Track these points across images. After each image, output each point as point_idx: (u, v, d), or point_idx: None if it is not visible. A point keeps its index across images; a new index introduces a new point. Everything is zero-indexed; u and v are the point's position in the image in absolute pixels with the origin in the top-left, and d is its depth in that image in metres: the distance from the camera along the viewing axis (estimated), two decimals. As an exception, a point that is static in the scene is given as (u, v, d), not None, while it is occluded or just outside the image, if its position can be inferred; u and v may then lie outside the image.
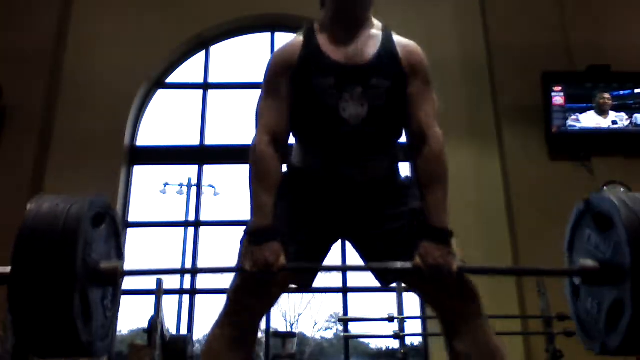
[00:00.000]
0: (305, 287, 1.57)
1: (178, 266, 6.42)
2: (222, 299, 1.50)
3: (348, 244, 1.65)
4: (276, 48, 5.14)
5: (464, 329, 1.43)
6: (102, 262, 1.30)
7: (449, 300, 1.46)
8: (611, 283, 1.26)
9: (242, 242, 1.44)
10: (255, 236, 1.40)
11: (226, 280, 1.54)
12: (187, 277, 4.55)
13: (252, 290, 1.44)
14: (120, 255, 1.44)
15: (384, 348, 13.27)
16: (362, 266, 1.55)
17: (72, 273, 1.15)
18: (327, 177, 1.52)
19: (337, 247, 1.69)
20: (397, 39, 1.55)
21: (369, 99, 1.47)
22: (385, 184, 1.56)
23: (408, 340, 3.41)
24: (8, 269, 1.17)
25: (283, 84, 1.51)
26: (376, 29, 1.56)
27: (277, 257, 1.37)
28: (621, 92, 4.13)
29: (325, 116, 1.48)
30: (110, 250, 1.39)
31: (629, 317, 1.18)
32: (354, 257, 1.68)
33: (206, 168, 4.75)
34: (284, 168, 1.56)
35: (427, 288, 1.50)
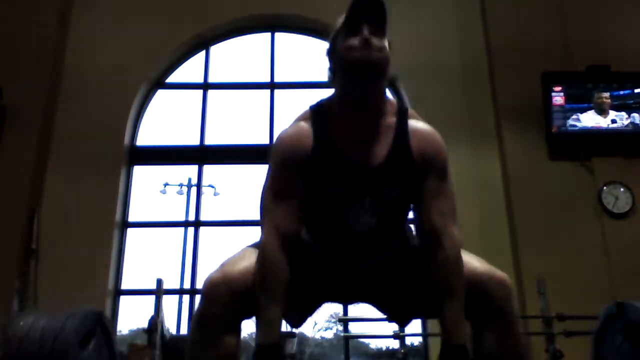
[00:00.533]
0: (296, 327, 1.60)
1: (178, 266, 6.42)
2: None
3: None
4: (276, 48, 5.15)
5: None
6: None
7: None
8: None
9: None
10: (261, 355, 1.31)
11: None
12: (187, 277, 4.54)
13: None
14: (112, 356, 1.40)
15: (384, 348, 13.28)
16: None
17: None
18: (332, 263, 1.52)
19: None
20: (412, 127, 1.45)
21: (378, 209, 1.41)
22: (393, 257, 1.55)
23: (408, 340, 3.42)
24: None
25: (294, 181, 1.41)
26: (390, 114, 1.46)
27: None
28: (621, 92, 4.14)
29: (334, 223, 1.43)
30: (103, 356, 1.36)
31: None
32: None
33: (206, 168, 4.75)
34: None
35: None
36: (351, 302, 1.61)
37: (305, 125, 1.45)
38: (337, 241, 1.47)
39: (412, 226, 1.62)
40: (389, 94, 1.53)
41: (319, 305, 1.59)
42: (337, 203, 1.41)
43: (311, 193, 1.42)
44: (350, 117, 1.43)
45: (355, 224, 1.42)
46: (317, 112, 1.47)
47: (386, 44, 1.40)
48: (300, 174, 1.40)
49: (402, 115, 1.47)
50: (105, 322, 1.34)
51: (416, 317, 1.66)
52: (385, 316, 1.62)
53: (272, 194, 1.41)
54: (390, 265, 1.53)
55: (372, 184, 1.40)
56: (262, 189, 1.45)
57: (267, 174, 1.45)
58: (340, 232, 1.44)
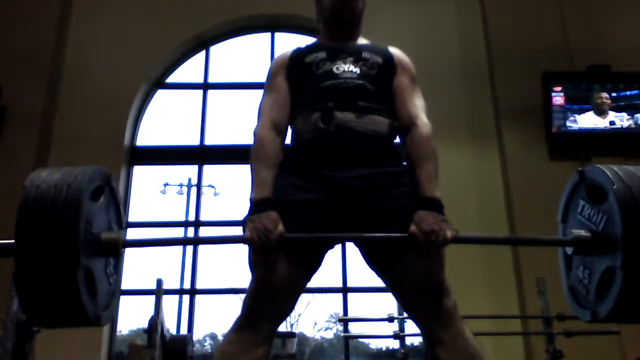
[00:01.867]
0: (313, 269, 1.54)
1: (178, 266, 6.43)
2: (223, 299, 1.51)
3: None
4: (276, 48, 5.15)
5: (445, 336, 1.44)
6: (104, 233, 1.33)
7: (425, 302, 1.47)
8: (603, 253, 1.30)
9: (245, 218, 1.48)
10: (254, 207, 1.47)
11: (227, 281, 1.54)
12: (187, 277, 4.54)
13: (268, 296, 1.46)
14: (120, 224, 1.46)
15: (384, 348, 13.28)
16: (357, 235, 1.49)
17: (75, 251, 1.18)
18: (325, 136, 1.51)
19: (337, 249, 1.69)
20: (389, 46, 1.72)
21: (362, 66, 1.60)
22: (384, 157, 1.55)
23: (408, 340, 3.41)
24: (13, 241, 1.20)
25: (280, 78, 1.64)
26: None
27: (275, 225, 1.42)
28: (622, 93, 4.13)
29: (321, 78, 1.59)
30: (111, 220, 1.42)
31: (619, 284, 1.22)
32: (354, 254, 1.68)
33: (206, 168, 4.75)
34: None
35: (405, 289, 1.51)
36: (344, 237, 1.58)
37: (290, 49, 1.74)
38: (326, 90, 1.56)
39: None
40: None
41: (319, 250, 1.54)
42: (321, 65, 1.61)
43: (299, 72, 1.63)
44: (331, 33, 1.70)
45: (339, 71, 1.59)
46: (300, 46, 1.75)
47: None
48: (285, 73, 1.64)
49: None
50: (112, 184, 1.41)
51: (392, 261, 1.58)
52: (367, 262, 1.57)
53: (265, 94, 1.66)
54: (381, 190, 1.50)
55: (352, 50, 1.64)
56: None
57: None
58: (327, 81, 1.57)
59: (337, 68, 1.59)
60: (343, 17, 1.67)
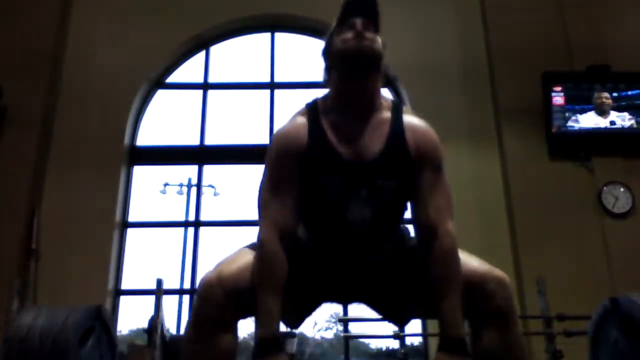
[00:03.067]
0: (295, 328, 1.60)
1: (178, 266, 6.42)
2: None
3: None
4: (276, 48, 5.15)
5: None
6: None
7: None
8: None
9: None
10: (261, 348, 1.31)
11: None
12: (187, 277, 4.54)
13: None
14: (113, 351, 1.41)
15: (384, 348, 13.28)
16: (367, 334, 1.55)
17: None
18: (328, 259, 1.52)
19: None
20: (407, 121, 1.47)
21: (374, 200, 1.43)
22: (389, 255, 1.55)
23: (408, 340, 3.42)
24: None
25: (290, 176, 1.43)
26: (385, 109, 1.48)
27: None
28: (622, 93, 4.13)
29: (331, 216, 1.44)
30: (102, 354, 1.38)
31: None
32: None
33: (206, 168, 4.75)
34: None
35: None
36: (348, 302, 1.61)
37: (300, 121, 1.48)
38: (333, 235, 1.48)
39: (408, 227, 1.61)
40: (384, 91, 1.55)
41: (316, 305, 1.59)
42: (333, 195, 1.42)
43: (308, 187, 1.43)
44: (344, 111, 1.45)
45: (352, 216, 1.43)
46: (312, 109, 1.49)
47: (379, 39, 1.45)
48: (295, 167, 1.42)
49: (397, 111, 1.49)
50: (104, 316, 1.35)
51: (413, 318, 1.64)
52: (382, 317, 1.61)
53: (269, 189, 1.43)
54: (386, 264, 1.53)
55: (367, 176, 1.42)
56: (259, 185, 1.47)
57: (264, 170, 1.48)
58: (336, 226, 1.45)
59: (350, 212, 1.42)
60: (360, 57, 1.42)
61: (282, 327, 1.45)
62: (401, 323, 1.60)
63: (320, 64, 1.55)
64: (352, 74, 1.43)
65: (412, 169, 1.43)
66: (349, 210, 1.42)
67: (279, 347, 1.31)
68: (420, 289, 1.46)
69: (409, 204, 1.50)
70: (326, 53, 1.51)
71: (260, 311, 1.32)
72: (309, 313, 1.58)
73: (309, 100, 1.54)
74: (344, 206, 1.42)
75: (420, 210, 1.42)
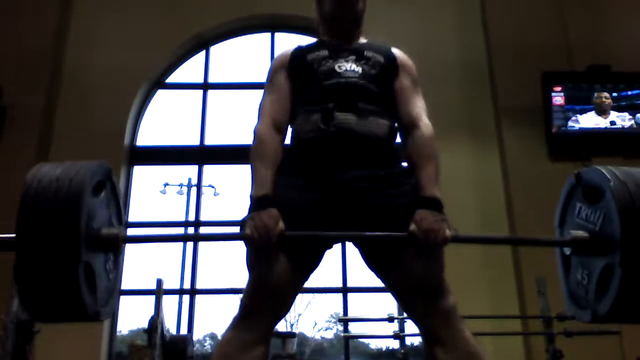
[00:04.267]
0: (311, 269, 1.53)
1: (178, 266, 6.43)
2: (223, 299, 1.50)
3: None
4: (276, 48, 5.15)
5: (444, 336, 1.44)
6: (104, 228, 1.33)
7: (424, 301, 1.46)
8: (601, 252, 1.29)
9: (245, 216, 1.47)
10: (255, 204, 1.46)
11: (227, 281, 1.54)
12: (187, 277, 4.55)
13: (266, 294, 1.45)
14: (120, 220, 1.46)
15: (384, 348, 13.28)
16: (357, 234, 1.49)
17: (76, 245, 1.18)
18: (325, 136, 1.51)
19: (336, 249, 1.69)
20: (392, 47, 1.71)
21: (363, 65, 1.60)
22: (383, 158, 1.54)
23: (408, 340, 3.41)
24: (14, 235, 1.21)
25: (281, 76, 1.64)
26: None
27: (275, 222, 1.41)
28: (622, 93, 4.13)
29: (323, 76, 1.58)
30: (111, 215, 1.41)
31: (617, 282, 1.21)
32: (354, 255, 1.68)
33: (206, 168, 4.75)
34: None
35: (405, 288, 1.50)
36: (344, 239, 1.61)
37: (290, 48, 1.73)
38: (327, 89, 1.55)
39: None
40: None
41: (320, 248, 1.53)
42: (323, 63, 1.60)
43: (300, 70, 1.62)
44: (333, 33, 1.69)
45: (342, 69, 1.58)
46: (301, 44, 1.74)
47: None
48: (287, 71, 1.64)
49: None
50: (113, 180, 1.41)
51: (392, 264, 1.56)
52: (367, 262, 1.56)
53: (266, 94, 1.65)
54: (381, 193, 1.49)
55: (354, 49, 1.64)
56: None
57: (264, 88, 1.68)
58: (329, 79, 1.57)
59: (339, 67, 1.59)
60: (343, 17, 1.67)
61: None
62: (384, 269, 1.55)
63: (315, 13, 1.77)
64: (335, 28, 1.68)
65: (396, 67, 1.64)
66: (338, 66, 1.59)
67: (270, 203, 1.44)
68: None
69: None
70: (317, 4, 1.73)
71: (256, 178, 1.51)
72: (316, 260, 1.53)
73: None
74: (332, 66, 1.59)
75: (404, 108, 1.61)
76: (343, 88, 1.55)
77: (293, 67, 1.64)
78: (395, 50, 1.69)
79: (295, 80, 1.62)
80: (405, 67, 1.66)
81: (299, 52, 1.67)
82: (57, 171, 1.26)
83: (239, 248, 1.54)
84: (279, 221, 1.41)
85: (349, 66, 1.59)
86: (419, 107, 1.62)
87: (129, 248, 4.30)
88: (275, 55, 1.77)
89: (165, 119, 5.95)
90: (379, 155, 1.54)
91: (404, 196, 1.50)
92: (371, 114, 1.54)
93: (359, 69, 1.59)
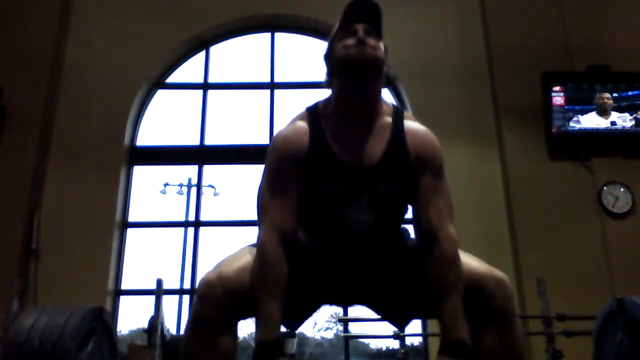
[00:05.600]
0: (294, 329, 1.60)
1: (178, 266, 6.41)
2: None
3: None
4: (276, 48, 5.14)
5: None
6: None
7: None
8: None
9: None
10: (261, 351, 1.30)
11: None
12: (187, 277, 4.54)
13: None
14: (114, 354, 1.40)
15: (384, 348, 13.28)
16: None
17: None
18: (329, 263, 1.52)
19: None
20: (408, 127, 1.47)
21: (375, 205, 1.42)
22: (389, 258, 1.55)
23: (408, 340, 3.42)
24: None
25: (290, 179, 1.42)
26: (387, 114, 1.48)
27: None
28: (623, 93, 4.13)
29: (331, 222, 1.44)
30: (104, 354, 1.36)
31: None
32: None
33: (206, 168, 4.74)
34: None
35: None
36: (349, 304, 1.62)
37: (301, 124, 1.47)
38: (334, 240, 1.47)
39: (408, 228, 1.61)
40: (386, 95, 1.54)
41: (316, 307, 1.59)
42: (334, 201, 1.41)
43: (308, 192, 1.42)
44: (345, 117, 1.45)
45: (352, 222, 1.42)
46: (313, 113, 1.49)
47: (381, 45, 1.44)
48: (296, 172, 1.41)
49: (398, 116, 1.49)
50: (105, 318, 1.34)
51: (414, 319, 1.65)
52: (382, 318, 1.61)
53: (269, 192, 1.42)
54: (387, 266, 1.52)
55: (368, 182, 1.41)
56: (259, 188, 1.46)
57: (264, 172, 1.47)
58: (337, 231, 1.44)
59: (349, 215, 1.42)
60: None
61: (282, 330, 1.45)
62: (401, 324, 1.60)
63: (322, 67, 1.54)
64: (353, 82, 1.42)
65: (413, 174, 1.43)
66: (349, 216, 1.42)
67: (279, 351, 1.30)
68: (421, 290, 1.45)
69: (409, 207, 1.50)
70: (328, 57, 1.50)
71: (261, 315, 1.31)
72: (308, 315, 1.58)
73: (310, 104, 1.53)
74: (344, 213, 1.42)
75: (421, 214, 1.42)
76: (352, 246, 1.46)
77: (303, 178, 1.42)
78: (412, 142, 1.45)
79: (305, 191, 1.43)
80: (423, 163, 1.43)
81: (313, 164, 1.42)
82: (39, 328, 1.18)
83: (239, 244, 1.54)
84: None
85: (360, 217, 1.42)
86: (441, 213, 1.40)
87: (129, 248, 4.30)
88: (281, 139, 1.48)
89: (165, 119, 5.94)
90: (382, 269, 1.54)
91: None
92: (378, 255, 1.51)
93: (370, 218, 1.43)
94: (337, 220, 1.43)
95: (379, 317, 1.61)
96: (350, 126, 1.44)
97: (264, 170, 1.47)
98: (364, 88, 1.43)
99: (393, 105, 1.54)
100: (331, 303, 1.60)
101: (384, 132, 1.45)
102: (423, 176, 1.43)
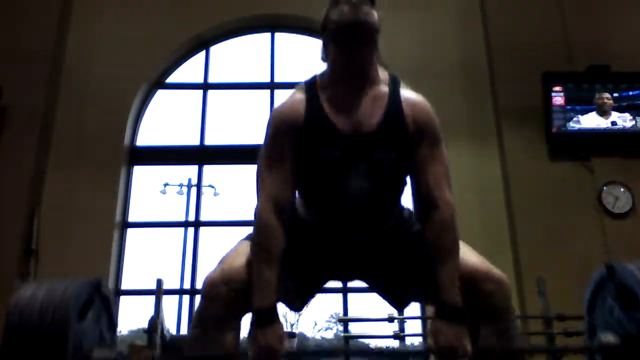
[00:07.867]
0: (298, 310, 1.59)
1: (178, 266, 6.41)
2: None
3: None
4: (275, 47, 5.14)
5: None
6: (95, 350, 1.29)
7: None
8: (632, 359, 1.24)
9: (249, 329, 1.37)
10: (258, 318, 1.34)
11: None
12: (187, 277, 4.55)
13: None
14: (113, 330, 1.41)
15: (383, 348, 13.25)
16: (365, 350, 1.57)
17: None
18: (329, 238, 1.52)
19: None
20: (405, 95, 1.49)
21: (373, 173, 1.43)
22: (389, 235, 1.55)
23: (408, 341, 3.41)
24: None
25: (286, 149, 1.44)
26: (383, 84, 1.49)
27: (280, 341, 1.34)
28: (623, 93, 4.13)
29: (329, 189, 1.44)
30: (102, 329, 1.37)
31: None
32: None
33: (206, 168, 4.74)
34: None
35: None
36: (349, 280, 1.63)
37: (298, 96, 1.50)
38: (333, 210, 1.48)
39: (408, 206, 1.62)
40: (381, 67, 1.56)
41: (319, 286, 1.58)
42: (331, 168, 1.43)
43: (306, 160, 1.44)
44: (341, 84, 1.47)
45: (350, 189, 1.43)
46: (310, 85, 1.51)
47: (374, 13, 1.46)
48: (292, 142, 1.44)
49: (395, 85, 1.51)
50: (103, 290, 1.36)
51: (413, 300, 1.63)
52: (382, 297, 1.60)
53: (266, 164, 1.45)
54: (388, 242, 1.52)
55: (365, 149, 1.43)
56: (258, 160, 1.49)
57: (263, 145, 1.50)
58: (335, 200, 1.45)
59: (348, 185, 1.42)
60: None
61: (285, 323, 1.46)
62: (400, 305, 1.59)
63: (319, 43, 1.55)
64: (347, 44, 1.43)
65: (410, 142, 1.44)
66: (347, 183, 1.42)
67: (276, 317, 1.34)
68: (421, 269, 1.46)
69: (408, 179, 1.51)
70: (323, 28, 1.52)
71: (257, 281, 1.33)
72: (311, 295, 1.58)
73: (308, 77, 1.55)
74: (342, 179, 1.42)
75: (420, 181, 1.44)
76: (350, 214, 1.46)
77: (300, 146, 1.44)
78: (409, 110, 1.47)
79: (300, 160, 1.45)
80: (420, 131, 1.46)
81: (310, 132, 1.44)
82: (40, 297, 1.19)
83: (239, 240, 1.54)
84: (284, 339, 1.35)
85: (358, 185, 1.43)
86: (438, 181, 1.43)
87: (129, 248, 4.30)
88: (278, 111, 1.51)
89: (165, 119, 5.95)
90: (382, 245, 1.55)
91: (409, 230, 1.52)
92: (377, 226, 1.51)
93: (368, 185, 1.43)
94: (336, 189, 1.43)
95: (379, 296, 1.60)
96: (346, 94, 1.46)
97: (263, 143, 1.50)
98: (358, 50, 1.43)
99: (390, 73, 1.55)
100: (332, 279, 1.59)
101: (380, 100, 1.46)
102: (420, 144, 1.45)
